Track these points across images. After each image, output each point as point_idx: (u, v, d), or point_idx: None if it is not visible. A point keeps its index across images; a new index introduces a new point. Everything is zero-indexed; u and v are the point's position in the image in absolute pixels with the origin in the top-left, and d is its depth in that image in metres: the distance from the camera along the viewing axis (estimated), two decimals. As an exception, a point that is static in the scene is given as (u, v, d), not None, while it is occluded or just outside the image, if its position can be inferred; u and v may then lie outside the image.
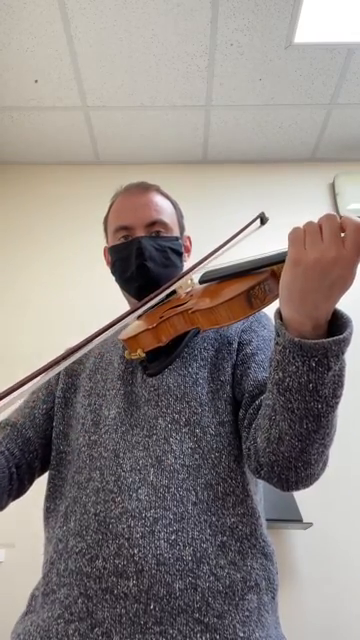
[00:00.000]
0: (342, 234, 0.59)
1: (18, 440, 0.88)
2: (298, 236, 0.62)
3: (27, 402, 0.97)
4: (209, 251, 0.86)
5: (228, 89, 2.11)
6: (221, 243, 0.88)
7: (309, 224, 0.62)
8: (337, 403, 0.65)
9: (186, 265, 0.99)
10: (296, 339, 0.62)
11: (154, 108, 2.19)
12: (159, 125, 2.28)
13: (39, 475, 0.92)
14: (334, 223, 0.59)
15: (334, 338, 0.61)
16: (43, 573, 0.78)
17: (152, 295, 0.79)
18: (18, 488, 0.86)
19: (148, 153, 2.43)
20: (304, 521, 1.65)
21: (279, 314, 0.67)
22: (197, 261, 0.85)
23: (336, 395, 0.65)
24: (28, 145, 2.37)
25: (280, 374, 0.65)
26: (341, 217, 0.60)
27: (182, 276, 0.85)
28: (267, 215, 0.95)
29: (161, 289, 0.80)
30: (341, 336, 0.62)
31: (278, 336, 0.65)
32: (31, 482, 0.90)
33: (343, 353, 0.63)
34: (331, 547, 1.74)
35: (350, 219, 0.59)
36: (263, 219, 0.95)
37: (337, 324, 0.65)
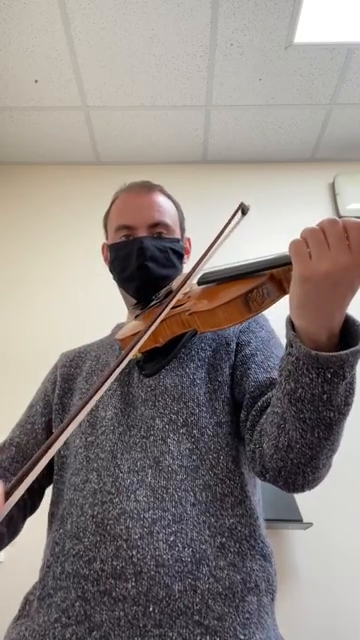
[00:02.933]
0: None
1: (24, 462, 0.87)
2: (301, 248, 0.58)
3: (27, 417, 0.96)
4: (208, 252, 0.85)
5: (228, 89, 2.11)
6: (209, 244, 0.84)
7: (310, 233, 0.58)
8: (349, 410, 0.64)
9: (185, 267, 0.99)
10: (313, 352, 0.60)
11: (154, 108, 2.19)
12: (159, 125, 2.28)
13: (48, 486, 0.92)
14: (338, 228, 0.56)
15: (352, 350, 0.59)
16: (39, 577, 0.77)
17: (161, 309, 0.75)
18: (32, 507, 0.88)
19: (148, 153, 2.43)
20: (304, 521, 1.65)
21: (291, 323, 0.64)
22: (192, 267, 0.82)
23: (348, 403, 0.63)
24: (28, 145, 2.37)
25: (292, 385, 0.63)
26: (342, 220, 0.57)
27: (183, 283, 0.82)
28: (247, 204, 0.92)
29: (169, 299, 0.76)
30: (358, 347, 0.60)
31: (291, 347, 0.63)
32: (42, 497, 0.91)
33: (357, 362, 0.61)
34: (331, 547, 1.74)
35: (351, 221, 0.56)
36: (244, 209, 0.92)
37: (350, 331, 0.63)
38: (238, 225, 0.90)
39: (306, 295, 0.59)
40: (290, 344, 0.64)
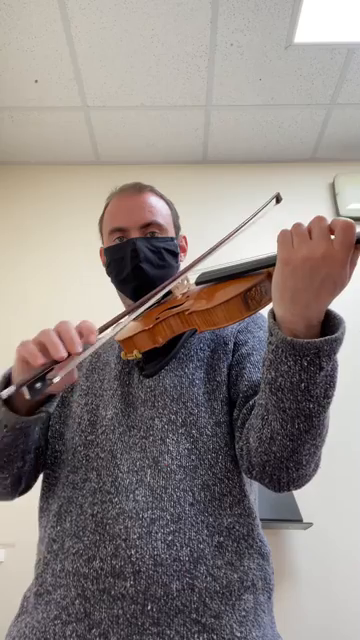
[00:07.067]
0: (332, 237, 0.60)
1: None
2: (286, 237, 0.63)
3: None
4: (209, 250, 0.85)
5: (228, 89, 2.11)
6: (239, 224, 0.89)
7: (297, 225, 0.63)
8: (328, 403, 0.66)
9: (182, 265, 0.99)
10: (288, 338, 0.63)
11: (154, 108, 2.19)
12: (159, 125, 2.28)
13: (38, 476, 0.91)
14: (323, 223, 0.61)
15: (326, 338, 0.62)
16: (36, 574, 0.78)
17: (148, 296, 0.79)
18: (27, 484, 0.85)
19: (148, 153, 2.43)
20: (304, 521, 1.65)
21: (272, 314, 0.67)
22: (208, 249, 0.84)
23: (327, 395, 0.65)
24: (28, 145, 2.38)
25: (272, 373, 0.66)
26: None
27: (184, 272, 0.84)
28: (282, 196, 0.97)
29: (157, 289, 0.80)
30: (333, 336, 0.62)
31: (271, 335, 0.66)
32: (35, 478, 0.88)
33: (335, 353, 0.63)
34: (331, 547, 1.75)
35: (338, 219, 0.60)
36: (278, 199, 0.97)
37: (330, 325, 0.65)
38: (265, 213, 0.93)
39: (284, 280, 0.63)
40: (270, 332, 0.66)
